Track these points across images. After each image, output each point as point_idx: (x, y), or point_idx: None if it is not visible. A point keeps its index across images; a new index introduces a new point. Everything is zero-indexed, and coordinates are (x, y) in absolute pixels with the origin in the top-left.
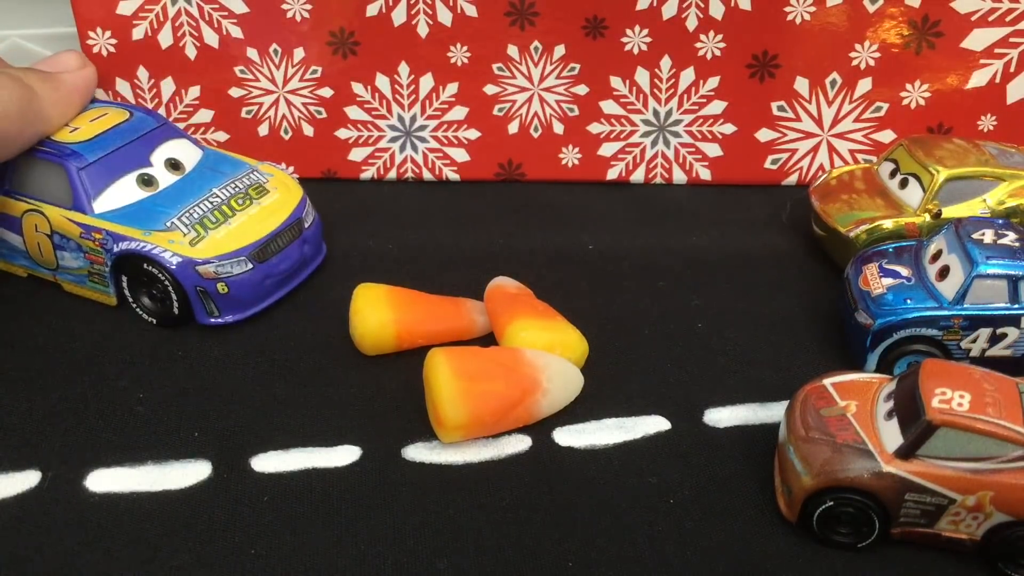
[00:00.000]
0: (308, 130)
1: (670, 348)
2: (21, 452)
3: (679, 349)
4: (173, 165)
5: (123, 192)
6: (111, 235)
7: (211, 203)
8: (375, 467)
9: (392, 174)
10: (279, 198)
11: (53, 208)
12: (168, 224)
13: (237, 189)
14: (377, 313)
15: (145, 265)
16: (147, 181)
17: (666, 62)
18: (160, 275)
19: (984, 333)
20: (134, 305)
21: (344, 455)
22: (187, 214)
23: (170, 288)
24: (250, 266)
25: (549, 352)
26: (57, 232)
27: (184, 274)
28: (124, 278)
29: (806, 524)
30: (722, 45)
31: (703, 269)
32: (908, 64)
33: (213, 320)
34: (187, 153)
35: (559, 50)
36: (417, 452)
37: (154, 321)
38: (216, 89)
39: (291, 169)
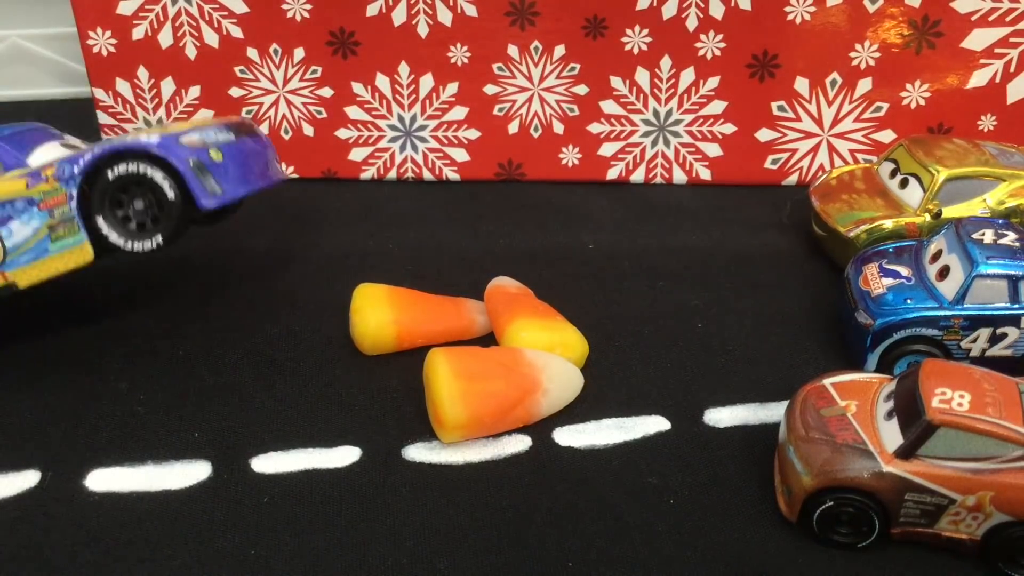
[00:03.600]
0: (308, 130)
1: (670, 348)
2: (21, 452)
3: (679, 349)
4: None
5: (53, 151)
6: (67, 160)
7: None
8: (375, 467)
9: (392, 174)
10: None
11: None
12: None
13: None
14: (377, 313)
15: (120, 167)
16: (72, 146)
17: (666, 62)
18: (144, 171)
19: (984, 333)
20: (123, 241)
21: (344, 455)
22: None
23: (160, 179)
24: (232, 136)
25: (549, 352)
26: None
27: (171, 149)
28: (99, 218)
29: (806, 524)
30: (722, 45)
31: (703, 269)
32: (908, 64)
33: (216, 200)
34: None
35: (559, 50)
36: (417, 452)
37: (158, 242)
38: (216, 89)
39: (291, 169)
